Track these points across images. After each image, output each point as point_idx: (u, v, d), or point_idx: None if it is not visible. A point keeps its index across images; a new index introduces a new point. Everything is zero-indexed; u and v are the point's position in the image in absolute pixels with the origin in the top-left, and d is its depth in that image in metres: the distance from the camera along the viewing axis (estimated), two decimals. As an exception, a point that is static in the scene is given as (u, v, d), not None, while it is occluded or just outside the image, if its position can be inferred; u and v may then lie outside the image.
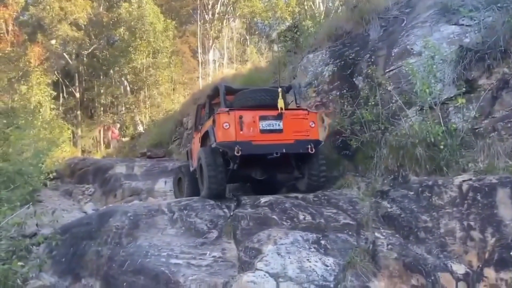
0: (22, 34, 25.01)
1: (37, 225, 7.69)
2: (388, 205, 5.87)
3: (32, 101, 20.01)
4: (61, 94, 31.04)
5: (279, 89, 7.37)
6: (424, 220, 5.26)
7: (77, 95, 31.29)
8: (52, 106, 22.59)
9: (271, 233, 5.20)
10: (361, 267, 4.74)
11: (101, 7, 29.63)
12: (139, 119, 28.27)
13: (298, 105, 7.98)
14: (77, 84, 31.39)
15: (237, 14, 32.54)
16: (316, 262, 4.69)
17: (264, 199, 6.19)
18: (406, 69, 7.82)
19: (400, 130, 7.08)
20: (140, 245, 5.56)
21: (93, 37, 29.48)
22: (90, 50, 29.57)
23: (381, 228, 5.45)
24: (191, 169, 8.65)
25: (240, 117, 7.04)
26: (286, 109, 7.38)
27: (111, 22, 28.50)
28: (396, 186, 6.26)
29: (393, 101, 8.01)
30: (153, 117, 27.02)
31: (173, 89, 29.11)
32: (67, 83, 31.30)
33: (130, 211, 6.40)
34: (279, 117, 7.19)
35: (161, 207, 6.55)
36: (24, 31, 27.60)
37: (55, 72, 29.45)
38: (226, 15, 31.59)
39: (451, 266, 4.79)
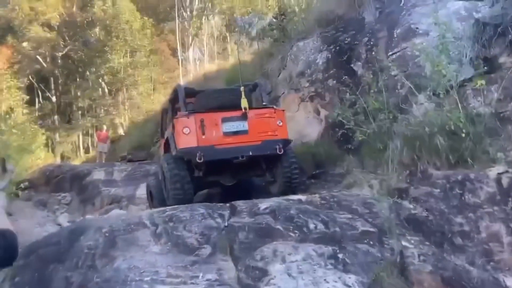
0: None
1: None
2: (411, 206, 5.01)
3: (2, 106, 18.76)
4: (36, 99, 29.75)
5: (242, 88, 6.79)
6: (458, 223, 4.41)
7: (54, 99, 30.06)
8: (25, 111, 21.28)
9: (277, 247, 4.27)
10: (390, 285, 3.88)
11: (74, 7, 28.35)
12: (119, 121, 27.12)
13: (264, 104, 7.35)
14: (53, 88, 30.11)
15: (216, 11, 31.61)
16: (336, 282, 3.81)
17: (263, 205, 5.27)
18: (413, 50, 7.00)
19: (412, 118, 6.23)
20: (118, 268, 4.58)
21: (67, 38, 28.19)
22: (64, 52, 28.31)
23: (407, 234, 4.59)
24: (160, 177, 7.91)
25: (201, 121, 6.50)
26: (251, 108, 6.83)
27: (85, 21, 27.28)
28: (415, 182, 5.40)
29: (399, 86, 7.19)
30: (133, 119, 25.91)
31: (153, 89, 28.07)
32: (43, 87, 29.97)
33: (105, 226, 5.41)
34: (243, 117, 6.68)
35: (142, 220, 5.56)
36: (-7, 34, 26.25)
37: (29, 76, 28.13)
38: (205, 12, 30.61)
39: (503, 281, 3.95)
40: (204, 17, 30.44)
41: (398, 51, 7.41)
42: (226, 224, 5.19)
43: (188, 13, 29.28)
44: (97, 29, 26.95)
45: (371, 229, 4.59)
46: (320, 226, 4.61)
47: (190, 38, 29.05)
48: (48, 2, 25.63)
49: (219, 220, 5.32)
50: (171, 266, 4.54)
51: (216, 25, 33.23)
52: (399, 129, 6.06)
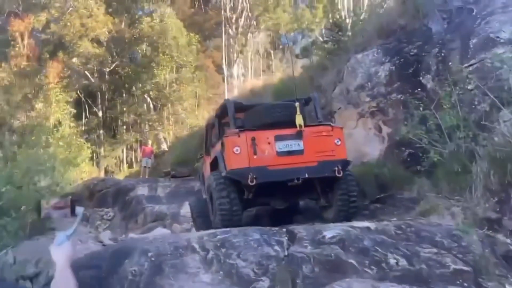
0: (39, 47, 24.19)
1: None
2: (509, 241, 4.23)
3: (50, 119, 19.01)
4: (83, 113, 30.28)
5: (297, 103, 6.16)
6: None
7: (100, 114, 30.44)
8: (72, 124, 21.53)
9: (351, 285, 3.59)
10: None
11: (123, 23, 28.80)
12: (163, 136, 27.11)
13: (319, 120, 6.74)
14: (99, 102, 30.56)
15: (262, 27, 31.43)
16: (427, 333, 3.12)
17: (328, 233, 4.60)
18: (493, 61, 6.23)
19: (497, 137, 5.43)
20: (165, 299, 4.03)
21: (115, 54, 28.63)
22: (112, 67, 28.70)
23: (509, 276, 3.81)
24: (204, 196, 7.33)
25: (253, 139, 5.94)
26: (306, 125, 6.20)
27: (133, 37, 27.63)
28: (507, 212, 4.61)
29: (477, 101, 6.40)
30: (177, 134, 25.81)
31: (198, 105, 27.94)
32: (90, 102, 30.49)
33: (151, 249, 4.89)
34: (298, 135, 6.09)
35: (190, 243, 5.02)
36: (46, 50, 26.98)
37: (77, 90, 28.69)
38: (250, 29, 30.47)
39: None
40: (249, 34, 30.27)
41: (475, 63, 6.65)
42: (286, 253, 4.55)
43: (234, 29, 29.20)
44: (144, 45, 27.19)
45: (465, 268, 3.83)
46: (402, 262, 3.89)
47: (235, 54, 28.90)
48: (98, 18, 26.08)
49: (277, 248, 4.68)
50: (225, 301, 3.93)
51: (261, 42, 33.10)
52: (484, 149, 5.27)
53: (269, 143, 6.00)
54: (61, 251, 1.64)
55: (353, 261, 3.98)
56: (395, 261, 3.91)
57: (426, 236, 4.41)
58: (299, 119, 6.06)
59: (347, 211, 6.07)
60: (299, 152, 6.01)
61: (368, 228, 4.97)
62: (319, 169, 5.93)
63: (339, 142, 6.17)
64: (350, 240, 4.34)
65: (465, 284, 3.67)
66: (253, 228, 5.51)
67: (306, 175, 5.84)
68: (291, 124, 6.07)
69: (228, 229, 5.48)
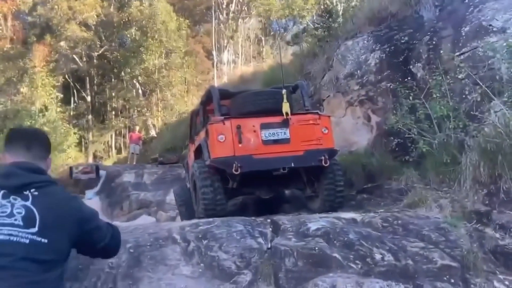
0: (25, 30, 23.63)
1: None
2: (498, 235, 4.11)
3: (36, 103, 18.62)
4: (72, 98, 29.86)
5: (284, 91, 5.98)
6: None
7: (88, 99, 30.07)
8: (59, 109, 21.13)
9: (335, 282, 3.45)
10: None
11: (112, 7, 28.23)
12: (152, 122, 26.80)
13: (306, 108, 6.56)
14: (88, 87, 30.15)
15: (253, 13, 31.05)
16: (413, 333, 3.00)
17: (313, 225, 4.46)
18: (485, 50, 6.09)
19: (488, 127, 5.31)
20: (142, 293, 3.87)
21: (103, 38, 28.13)
22: (100, 52, 28.23)
23: (497, 272, 3.70)
24: (188, 185, 7.17)
25: (238, 127, 5.78)
26: (293, 113, 6.05)
27: (122, 21, 27.12)
28: (497, 205, 4.50)
29: (467, 91, 6.27)
30: (165, 120, 25.52)
31: (187, 91, 27.63)
32: (78, 87, 30.07)
33: (130, 240, 4.72)
34: (284, 124, 5.92)
35: (171, 234, 4.86)
36: (32, 33, 26.41)
37: (65, 75, 28.23)
38: (241, 14, 30.08)
39: None
40: (240, 20, 29.89)
41: (467, 51, 6.50)
42: (269, 245, 4.41)
43: (224, 15, 28.82)
44: (133, 30, 26.70)
45: (452, 263, 3.72)
46: (388, 257, 3.76)
47: (226, 40, 28.56)
48: (86, 1, 25.50)
49: (260, 240, 4.55)
50: (204, 294, 3.78)
51: (252, 28, 32.72)
52: (474, 140, 5.15)
53: (254, 131, 5.84)
54: (95, 204, 2.26)
55: (337, 255, 3.85)
56: (381, 256, 3.78)
57: (413, 229, 4.29)
58: (285, 107, 5.89)
59: (333, 201, 5.96)
60: (285, 141, 5.87)
61: (354, 219, 4.85)
62: (305, 159, 5.79)
63: (326, 131, 6.03)
64: (335, 233, 4.20)
65: (452, 280, 3.56)
66: (237, 218, 5.37)
67: (292, 164, 5.72)
68: (278, 112, 5.91)
69: (211, 219, 5.34)
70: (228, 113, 6.22)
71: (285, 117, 5.85)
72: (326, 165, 5.69)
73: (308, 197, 6.45)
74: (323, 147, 5.85)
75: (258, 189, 6.34)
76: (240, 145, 5.71)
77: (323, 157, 5.67)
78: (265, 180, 6.17)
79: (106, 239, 1.86)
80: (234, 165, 5.50)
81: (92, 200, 1.96)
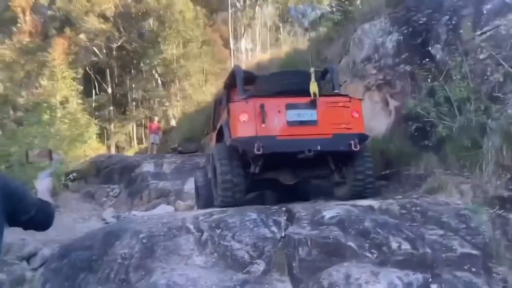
0: (44, 23, 23.89)
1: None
2: (521, 221, 3.94)
3: (57, 96, 18.86)
4: (93, 90, 30.22)
5: (312, 69, 5.69)
6: None
7: (109, 90, 30.38)
8: (79, 101, 21.37)
9: (350, 271, 3.36)
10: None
11: (129, -2, 28.31)
12: (171, 112, 26.90)
13: (336, 91, 6.22)
14: (108, 79, 30.43)
15: (270, 0, 30.74)
16: (430, 323, 2.89)
17: (328, 213, 4.35)
18: (509, 28, 5.83)
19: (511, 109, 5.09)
20: (155, 284, 3.86)
21: (122, 30, 28.27)
22: (119, 43, 28.39)
23: (521, 260, 3.55)
24: (209, 175, 6.99)
25: (262, 106, 5.42)
26: (321, 95, 5.70)
27: (139, 12, 27.18)
28: (520, 190, 4.31)
29: (489, 72, 6.01)
30: (184, 110, 25.57)
31: (205, 80, 27.53)
32: (99, 79, 30.38)
33: (143, 230, 4.72)
34: (312, 105, 5.57)
35: (185, 224, 4.84)
36: (52, 26, 26.72)
37: (86, 67, 28.54)
38: (258, 1, 29.77)
39: None
40: (257, 7, 29.59)
41: (489, 30, 6.22)
42: (283, 234, 4.33)
43: (241, 2, 28.57)
44: (151, 20, 26.75)
45: (473, 252, 3.57)
46: (405, 245, 3.63)
47: (243, 28, 28.34)
48: (104, -7, 25.70)
49: (274, 228, 4.47)
50: (217, 285, 3.75)
51: (269, 15, 32.36)
52: (497, 123, 4.94)
53: (279, 112, 5.49)
54: (43, 183, 2.25)
55: (352, 244, 3.74)
56: (397, 244, 3.65)
57: (432, 216, 4.14)
58: (313, 87, 5.58)
59: (363, 189, 5.63)
60: (312, 123, 5.53)
61: (371, 207, 4.73)
62: (333, 142, 5.44)
63: (357, 115, 5.69)
64: (350, 221, 4.09)
65: (473, 269, 3.41)
66: (251, 207, 5.31)
67: (319, 148, 5.34)
68: (305, 93, 5.61)
69: (225, 209, 5.28)
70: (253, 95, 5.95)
71: (312, 97, 5.56)
72: (356, 149, 5.36)
73: (334, 184, 6.13)
74: (353, 131, 5.53)
75: (281, 175, 6.03)
76: (263, 125, 5.40)
77: (352, 142, 5.35)
78: (289, 165, 5.92)
79: (32, 211, 2.03)
80: (256, 145, 5.16)
81: (45, 180, 2.05)
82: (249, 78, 6.36)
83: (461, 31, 6.49)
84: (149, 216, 5.65)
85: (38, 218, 2.07)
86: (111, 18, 27.33)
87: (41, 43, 22.76)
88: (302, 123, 5.53)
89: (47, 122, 12.32)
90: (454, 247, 3.60)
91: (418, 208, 4.33)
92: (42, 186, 2.25)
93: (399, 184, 6.00)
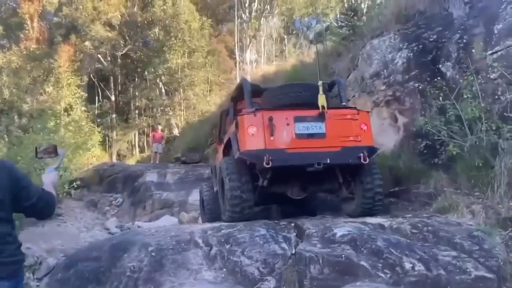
0: (50, 30, 24.00)
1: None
2: (536, 245, 3.91)
3: (61, 103, 18.88)
4: (96, 97, 30.26)
5: (320, 82, 5.68)
6: None
7: (112, 98, 30.40)
8: (83, 108, 21.41)
9: (362, 291, 3.33)
10: None
11: (135, 7, 28.47)
12: (175, 122, 26.92)
13: (343, 104, 6.23)
14: (112, 87, 30.48)
15: (275, 12, 30.89)
16: None
17: (339, 231, 4.32)
18: (520, 49, 5.84)
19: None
20: (164, 298, 3.81)
21: (127, 38, 28.39)
22: (124, 51, 28.50)
23: (536, 284, 3.51)
24: (215, 189, 6.93)
25: (270, 119, 5.41)
26: (330, 108, 5.69)
27: (145, 21, 27.32)
28: (533, 212, 4.28)
29: (500, 91, 6.02)
30: (188, 120, 25.58)
31: (209, 90, 27.60)
32: (103, 86, 30.45)
33: (152, 243, 4.69)
34: (320, 117, 5.55)
35: (193, 237, 4.81)
36: (58, 33, 26.84)
37: (90, 74, 28.62)
38: (264, 13, 29.91)
39: None
40: (262, 19, 29.74)
41: (500, 50, 6.23)
42: (293, 251, 4.29)
43: (247, 14, 28.70)
44: (156, 29, 26.88)
45: (487, 275, 3.53)
46: (419, 266, 3.60)
47: (248, 39, 28.44)
48: (111, 1, 25.79)
49: (284, 245, 4.44)
50: (227, 301, 3.69)
51: (275, 27, 32.55)
52: (508, 143, 4.92)
53: (288, 124, 5.48)
54: (49, 176, 2.41)
55: (365, 264, 3.70)
56: (411, 265, 3.62)
57: (445, 236, 4.10)
58: (322, 100, 5.56)
59: (372, 205, 5.56)
60: (321, 136, 5.50)
61: (381, 225, 4.70)
62: (342, 155, 5.40)
63: (365, 127, 5.67)
64: (363, 240, 4.05)
65: (488, 293, 3.37)
66: (259, 222, 5.27)
67: (328, 161, 5.29)
68: (313, 105, 5.60)
69: (233, 223, 5.24)
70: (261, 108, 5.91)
71: (320, 110, 5.53)
72: (365, 162, 5.30)
73: (343, 199, 6.08)
74: (362, 144, 5.50)
75: (290, 189, 5.96)
76: (272, 138, 5.37)
77: (362, 154, 5.29)
78: (297, 179, 5.87)
79: (34, 198, 2.21)
80: (265, 158, 5.11)
81: (50, 174, 2.18)
82: (256, 90, 6.36)
83: (472, 50, 6.50)
84: (156, 228, 5.60)
85: (39, 206, 2.25)
86: (117, 26, 27.44)
87: (47, 49, 22.83)
88: (310, 135, 5.51)
89: (52, 129, 12.32)
90: (468, 270, 3.57)
91: (429, 228, 4.30)
92: (47, 179, 2.44)
93: (408, 202, 5.97)
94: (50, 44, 24.69)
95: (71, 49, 23.32)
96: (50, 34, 25.60)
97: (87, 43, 26.61)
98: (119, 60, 29.45)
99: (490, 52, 6.25)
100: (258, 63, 28.96)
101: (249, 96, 6.00)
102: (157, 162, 17.56)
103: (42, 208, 2.30)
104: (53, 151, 2.61)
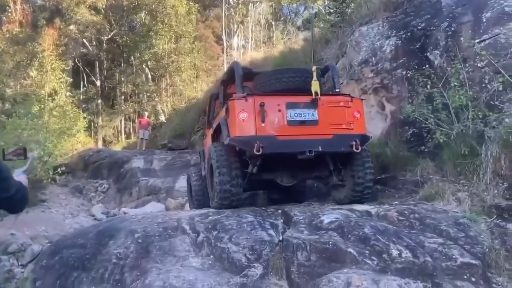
0: (34, 13, 23.43)
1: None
2: (520, 231, 3.96)
3: (45, 87, 18.54)
4: (82, 83, 29.81)
5: (314, 67, 5.59)
6: None
7: (98, 83, 29.95)
8: (68, 93, 21.05)
9: (350, 278, 3.33)
10: None
11: (122, -10, 27.92)
12: (161, 108, 26.67)
13: (337, 91, 6.11)
14: (97, 72, 30.02)
15: (263, -3, 30.59)
16: (431, 334, 2.87)
17: (327, 218, 4.33)
18: (508, 37, 5.87)
19: (509, 118, 5.11)
20: (150, 285, 3.80)
21: (113, 22, 27.90)
22: (110, 36, 28.02)
23: (520, 270, 3.56)
24: (203, 173, 6.84)
25: (262, 105, 5.31)
26: (323, 94, 5.61)
27: (131, 5, 26.83)
28: (518, 199, 4.33)
29: (487, 79, 6.05)
30: (175, 106, 25.36)
31: (196, 76, 27.35)
32: (88, 71, 29.97)
33: (138, 230, 4.65)
34: (313, 104, 5.46)
35: (181, 224, 4.78)
36: (42, 16, 26.24)
37: (75, 59, 28.12)
38: (252, -2, 29.63)
39: None
40: (250, 4, 29.45)
41: (488, 38, 6.24)
42: (280, 238, 4.29)
43: (235, -1, 28.42)
44: (142, 14, 26.42)
45: (472, 261, 3.56)
46: (406, 253, 3.62)
47: (236, 25, 28.20)
48: (96, -16, 25.28)
49: (271, 232, 4.43)
50: (213, 287, 3.68)
51: (263, 13, 32.26)
52: (495, 131, 4.95)
53: (279, 111, 5.38)
54: (18, 179, 2.28)
55: (352, 250, 3.71)
56: (398, 252, 3.63)
57: (431, 224, 4.13)
58: (315, 86, 5.45)
59: (362, 193, 5.53)
60: (313, 123, 5.41)
61: (368, 212, 4.72)
62: (334, 143, 5.33)
63: (359, 115, 5.61)
64: (350, 227, 4.06)
65: (473, 279, 3.41)
66: (247, 209, 5.27)
67: (320, 148, 5.22)
68: (306, 91, 5.50)
69: (221, 210, 5.22)
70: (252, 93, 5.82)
71: (313, 97, 5.43)
72: (357, 151, 5.26)
73: (333, 186, 6.03)
74: (354, 132, 5.46)
75: (279, 176, 5.90)
76: (263, 125, 5.27)
77: (354, 143, 5.25)
78: (288, 166, 5.82)
79: (12, 190, 2.16)
80: (256, 145, 5.02)
81: (20, 177, 2.13)
82: (248, 74, 6.23)
83: (460, 38, 6.50)
84: (143, 215, 5.56)
85: (16, 198, 2.20)
86: (102, 10, 26.92)
87: (31, 33, 22.35)
88: (302, 122, 5.43)
89: (36, 115, 12.11)
90: (454, 256, 3.60)
91: (416, 215, 4.33)
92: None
93: (395, 189, 6.00)
94: (34, 28, 24.13)
95: (55, 33, 22.80)
96: (34, 17, 25.02)
97: (72, 27, 26.07)
98: (104, 44, 28.96)
99: (478, 40, 6.25)
100: (245, 49, 28.75)
101: (240, 80, 5.87)
102: (144, 148, 17.45)
103: (18, 201, 2.25)
104: (22, 153, 2.52)
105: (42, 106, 13.85)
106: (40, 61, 19.89)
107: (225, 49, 26.95)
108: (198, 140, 15.38)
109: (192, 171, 7.75)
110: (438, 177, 5.50)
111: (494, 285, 3.39)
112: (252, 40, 29.66)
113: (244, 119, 5.30)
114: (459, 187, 5.00)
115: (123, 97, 30.79)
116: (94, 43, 28.73)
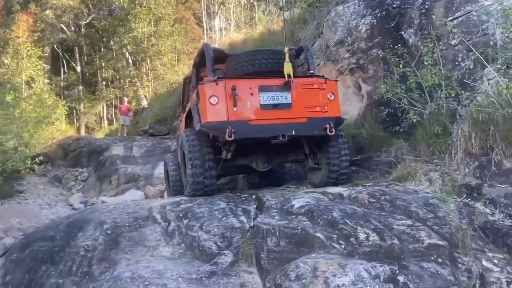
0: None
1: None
2: (488, 211, 3.96)
3: (22, 75, 18.12)
4: (62, 69, 29.24)
5: (286, 49, 5.46)
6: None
7: (78, 69, 29.41)
8: (46, 81, 20.60)
9: (317, 263, 3.31)
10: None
11: (99, -27, 27.25)
12: (143, 93, 26.30)
13: (311, 72, 5.98)
14: (77, 57, 29.44)
15: (244, -23, 30.10)
16: (397, 317, 2.86)
17: (297, 202, 4.29)
18: (479, 14, 5.83)
19: (480, 96, 5.10)
20: (119, 277, 3.73)
21: (90, 6, 27.28)
22: (88, 20, 27.43)
23: (486, 250, 3.56)
24: (179, 159, 6.74)
25: (233, 88, 5.18)
26: (296, 76, 5.50)
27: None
28: (488, 178, 4.33)
29: (460, 58, 6.02)
30: (156, 91, 25.02)
31: (177, 60, 26.95)
32: (68, 57, 29.38)
33: (107, 221, 4.57)
34: (286, 87, 5.36)
35: (152, 213, 4.71)
36: (16, 1, 25.51)
37: (53, 45, 27.50)
38: (232, -22, 29.12)
39: None
40: (231, -16, 28.97)
41: (461, 16, 6.19)
42: (251, 224, 4.25)
43: (215, -21, 27.92)
44: (121, -4, 25.89)
45: (440, 242, 3.56)
46: (373, 237, 3.60)
47: (216, 6, 27.76)
48: (71, -33, 24.59)
49: (243, 218, 4.39)
50: (183, 277, 3.64)
51: (244, -7, 31.79)
52: (466, 110, 4.94)
53: (251, 94, 5.25)
54: None
55: (320, 235, 3.68)
56: (365, 235, 3.62)
57: (401, 205, 4.12)
58: (287, 68, 5.33)
59: (338, 177, 5.49)
60: (286, 106, 5.31)
61: (341, 195, 4.69)
62: (308, 126, 5.26)
63: (333, 97, 5.50)
64: (319, 211, 4.03)
65: (440, 260, 3.41)
66: (221, 195, 5.21)
67: (293, 132, 5.16)
68: (278, 74, 5.40)
69: (193, 198, 5.15)
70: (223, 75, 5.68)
71: (286, 79, 5.33)
72: (331, 134, 5.21)
73: (309, 169, 5.98)
74: (328, 114, 5.37)
75: (254, 161, 5.82)
76: (234, 109, 5.15)
77: (328, 126, 5.18)
78: (262, 151, 5.74)
79: None
80: (228, 130, 4.91)
81: None
82: (220, 56, 6.08)
83: (433, 16, 6.44)
84: (115, 205, 5.46)
85: None
86: (79, -6, 26.31)
87: (4, 19, 21.76)
88: (275, 106, 5.32)
89: (11, 104, 11.83)
90: (421, 238, 3.59)
91: (387, 197, 4.31)
92: None
93: (369, 170, 5.97)
94: (8, 13, 23.50)
95: (30, 18, 22.20)
96: (7, 3, 24.34)
97: (48, 12, 25.41)
98: (83, 29, 28.37)
99: (450, 18, 6.20)
100: (227, 31, 28.35)
101: (211, 62, 5.69)
102: (125, 135, 17.19)
103: None
104: None
105: (18, 94, 13.53)
106: (15, 48, 19.37)
107: (205, 31, 26.57)
108: (178, 127, 15.24)
109: (169, 158, 7.62)
110: (411, 157, 5.49)
111: (460, 265, 3.40)
112: (233, 21, 29.27)
113: (215, 104, 5.15)
114: (432, 167, 5.00)
115: (104, 82, 30.29)
116: (72, 28, 28.11)
